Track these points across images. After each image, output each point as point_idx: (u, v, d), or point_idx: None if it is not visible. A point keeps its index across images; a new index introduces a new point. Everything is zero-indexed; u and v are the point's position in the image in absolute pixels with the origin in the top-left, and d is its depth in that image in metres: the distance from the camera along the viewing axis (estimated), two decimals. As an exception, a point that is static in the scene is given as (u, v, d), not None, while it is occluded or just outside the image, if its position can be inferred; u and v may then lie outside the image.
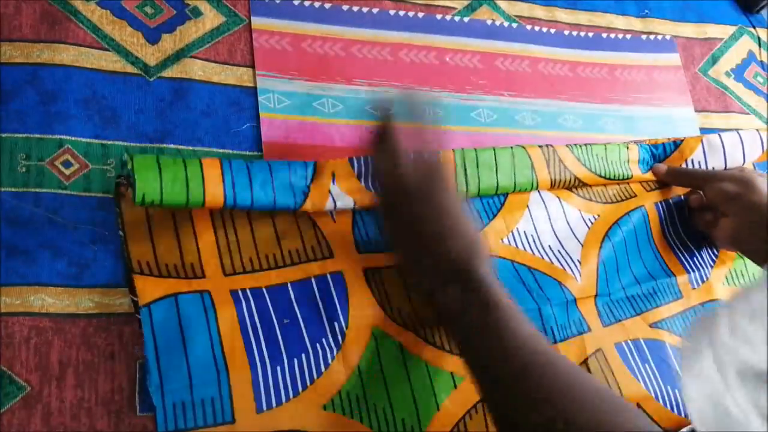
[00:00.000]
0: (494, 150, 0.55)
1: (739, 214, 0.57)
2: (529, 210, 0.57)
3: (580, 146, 0.60)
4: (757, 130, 0.69)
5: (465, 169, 0.54)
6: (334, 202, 0.49)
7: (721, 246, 0.63)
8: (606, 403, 0.39)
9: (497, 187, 0.55)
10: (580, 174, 0.59)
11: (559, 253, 0.57)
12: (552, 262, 0.56)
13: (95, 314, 0.44)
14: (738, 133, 0.66)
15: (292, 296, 0.47)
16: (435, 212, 0.45)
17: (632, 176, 0.62)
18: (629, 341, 0.55)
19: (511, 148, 0.56)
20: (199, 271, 0.45)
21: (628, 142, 0.63)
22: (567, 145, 0.59)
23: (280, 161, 0.48)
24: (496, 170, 0.55)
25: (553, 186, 0.58)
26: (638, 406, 0.51)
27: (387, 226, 0.47)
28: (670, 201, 0.64)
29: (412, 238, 0.45)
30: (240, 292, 0.46)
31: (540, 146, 0.58)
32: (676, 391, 0.53)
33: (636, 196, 0.63)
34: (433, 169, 0.46)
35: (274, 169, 0.47)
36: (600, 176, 0.60)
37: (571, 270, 0.56)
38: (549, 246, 0.57)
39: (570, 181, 0.58)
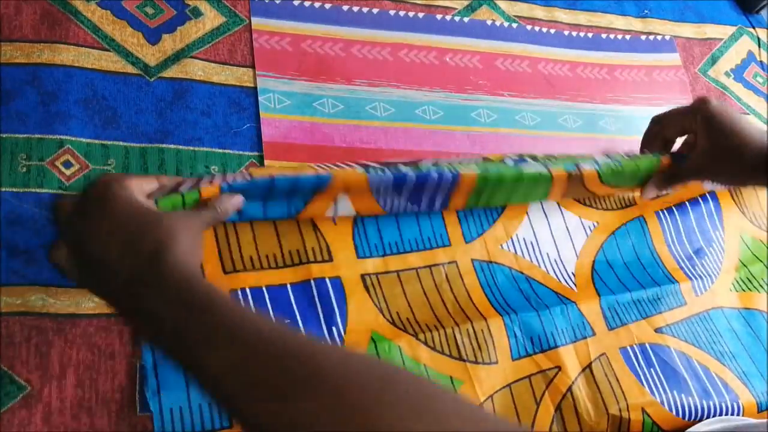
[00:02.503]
0: (522, 175, 0.50)
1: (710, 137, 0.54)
2: (528, 216, 0.57)
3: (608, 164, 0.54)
4: None
5: (480, 193, 0.51)
6: (336, 208, 0.49)
7: (690, 175, 0.58)
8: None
9: (504, 205, 0.54)
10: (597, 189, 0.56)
11: (556, 262, 0.57)
12: (548, 272, 0.56)
13: (95, 314, 0.44)
14: None
15: (292, 298, 0.47)
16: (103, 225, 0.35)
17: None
18: (635, 346, 0.54)
19: (539, 174, 0.51)
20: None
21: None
22: (597, 171, 0.54)
23: (289, 177, 0.44)
24: (510, 193, 0.53)
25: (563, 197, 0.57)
26: (643, 411, 0.51)
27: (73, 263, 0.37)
28: (673, 209, 0.63)
29: (95, 262, 0.35)
30: (239, 291, 0.46)
31: (568, 173, 0.52)
32: (682, 395, 0.53)
33: (635, 204, 0.63)
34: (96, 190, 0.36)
35: (277, 182, 0.44)
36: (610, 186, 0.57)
37: (566, 282, 0.56)
38: (547, 253, 0.57)
39: (583, 194, 0.57)
